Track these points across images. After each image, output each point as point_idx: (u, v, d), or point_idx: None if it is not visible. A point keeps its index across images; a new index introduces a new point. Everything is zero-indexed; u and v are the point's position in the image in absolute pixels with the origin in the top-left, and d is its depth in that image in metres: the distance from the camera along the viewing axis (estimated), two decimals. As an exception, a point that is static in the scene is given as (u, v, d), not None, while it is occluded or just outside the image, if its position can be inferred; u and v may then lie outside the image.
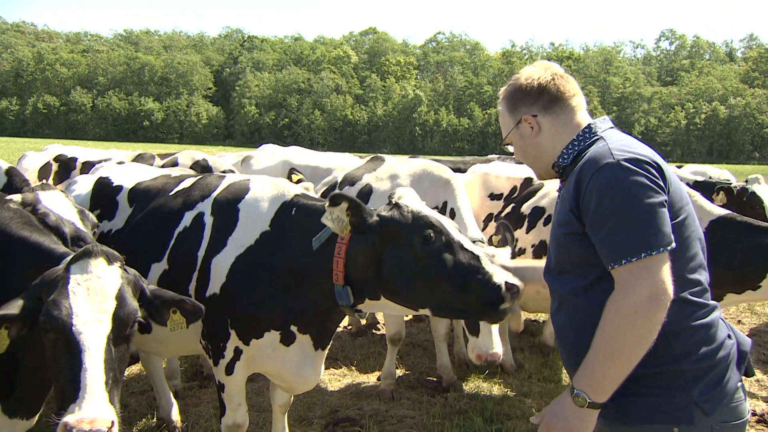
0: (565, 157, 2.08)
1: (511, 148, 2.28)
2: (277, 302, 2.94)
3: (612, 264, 1.79)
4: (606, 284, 1.85)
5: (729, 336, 1.93)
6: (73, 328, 1.96)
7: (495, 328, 3.63)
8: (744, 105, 75.45)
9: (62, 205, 3.19)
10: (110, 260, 2.17)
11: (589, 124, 2.09)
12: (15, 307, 2.05)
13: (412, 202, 2.73)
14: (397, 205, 2.69)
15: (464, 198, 4.59)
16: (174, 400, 4.29)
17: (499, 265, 2.56)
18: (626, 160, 1.81)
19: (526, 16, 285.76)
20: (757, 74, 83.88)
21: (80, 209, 3.27)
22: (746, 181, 6.79)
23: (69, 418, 1.83)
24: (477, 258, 2.52)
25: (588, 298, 1.92)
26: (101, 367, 1.94)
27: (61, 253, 2.40)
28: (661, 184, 1.81)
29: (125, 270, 2.26)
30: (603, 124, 2.09)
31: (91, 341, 1.96)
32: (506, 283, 2.43)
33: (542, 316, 6.68)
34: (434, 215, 2.67)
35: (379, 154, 5.42)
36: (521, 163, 6.74)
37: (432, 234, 2.55)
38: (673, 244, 1.77)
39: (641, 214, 1.76)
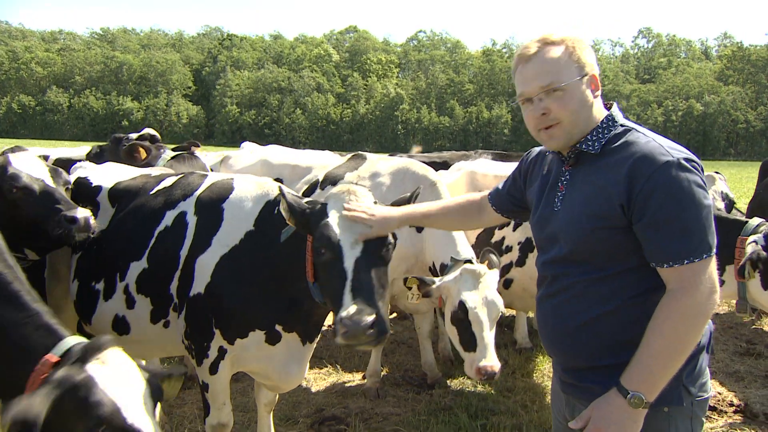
0: (590, 143, 1.97)
1: (529, 104, 2.01)
2: (262, 302, 2.92)
3: (671, 263, 1.80)
4: (624, 279, 1.91)
5: None
6: (128, 421, 1.94)
7: (492, 342, 3.59)
8: (719, 102, 76.89)
9: (32, 164, 3.24)
10: (116, 345, 2.10)
11: (612, 112, 2.01)
12: (39, 406, 1.86)
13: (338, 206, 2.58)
14: (321, 208, 2.61)
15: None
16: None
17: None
18: (685, 159, 1.82)
19: (507, 14, 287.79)
20: (731, 72, 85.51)
21: (53, 167, 3.30)
22: None
23: None
24: (344, 282, 2.40)
25: (602, 289, 1.94)
26: None
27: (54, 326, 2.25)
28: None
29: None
30: (619, 114, 2.02)
31: (146, 426, 1.97)
32: (341, 319, 2.32)
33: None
34: (341, 224, 2.50)
35: (360, 152, 5.37)
36: (505, 160, 6.84)
37: (323, 250, 2.49)
38: None
39: (703, 217, 1.80)
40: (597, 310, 1.94)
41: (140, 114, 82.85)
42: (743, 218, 4.19)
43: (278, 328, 2.98)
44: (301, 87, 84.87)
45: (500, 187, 2.53)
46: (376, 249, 2.49)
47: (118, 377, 2.02)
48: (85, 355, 2.03)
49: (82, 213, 3.08)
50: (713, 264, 1.82)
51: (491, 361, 3.53)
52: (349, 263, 2.41)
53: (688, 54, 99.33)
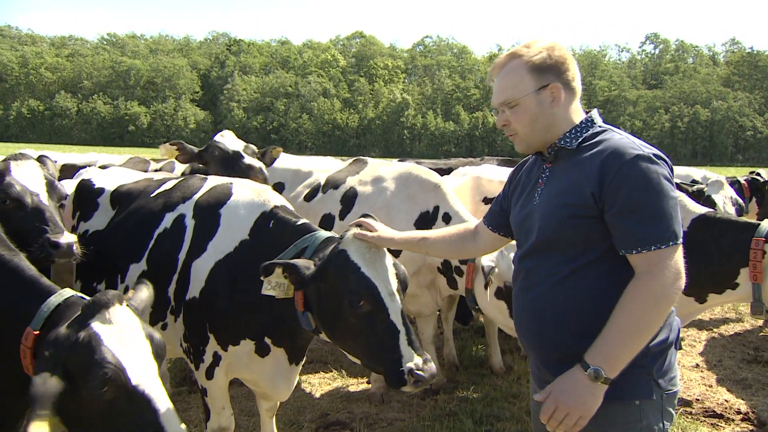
0: (568, 140, 2.10)
1: (499, 117, 2.18)
2: (252, 312, 2.90)
3: (639, 249, 1.89)
4: (595, 269, 1.99)
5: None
6: (133, 382, 1.94)
7: None
8: (726, 108, 76.59)
9: (31, 176, 3.18)
10: (121, 302, 2.09)
11: (591, 115, 2.15)
12: (53, 384, 1.85)
13: (362, 256, 2.57)
14: (339, 256, 2.56)
15: (457, 201, 4.54)
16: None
17: None
18: (654, 155, 1.93)
19: (513, 20, 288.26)
20: (738, 78, 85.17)
21: (50, 181, 3.24)
22: (707, 184, 6.91)
23: None
24: (396, 335, 2.47)
25: (578, 278, 2.02)
26: (171, 405, 2.01)
27: (46, 287, 2.25)
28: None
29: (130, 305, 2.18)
30: (599, 119, 2.16)
31: (152, 386, 1.98)
32: (412, 370, 2.41)
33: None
34: (374, 276, 2.52)
35: (361, 156, 5.37)
36: (510, 166, 6.83)
37: (361, 302, 2.48)
38: None
39: (670, 207, 1.90)
40: (570, 301, 2.01)
41: (147, 119, 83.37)
42: (755, 221, 4.16)
43: (267, 341, 2.98)
44: (308, 92, 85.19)
45: (493, 205, 2.59)
46: (403, 292, 2.63)
47: (122, 336, 1.99)
48: (90, 312, 2.01)
49: (67, 239, 2.97)
50: (680, 251, 1.91)
51: None
52: (396, 316, 2.50)
53: (696, 60, 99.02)
